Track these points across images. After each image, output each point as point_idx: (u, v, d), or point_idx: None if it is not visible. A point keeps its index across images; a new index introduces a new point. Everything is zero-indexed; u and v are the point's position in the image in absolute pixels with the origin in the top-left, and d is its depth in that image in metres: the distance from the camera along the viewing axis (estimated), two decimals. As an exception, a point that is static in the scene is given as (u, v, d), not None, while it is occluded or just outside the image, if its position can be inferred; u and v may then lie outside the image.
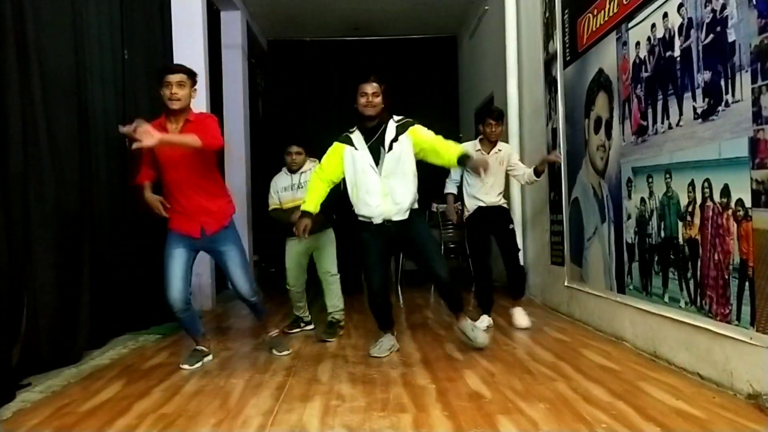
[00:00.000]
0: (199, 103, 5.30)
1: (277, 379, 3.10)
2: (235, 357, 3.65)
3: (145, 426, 2.42)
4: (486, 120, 4.21)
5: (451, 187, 4.38)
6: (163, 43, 5.18)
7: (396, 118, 3.50)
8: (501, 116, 4.25)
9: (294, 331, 4.38)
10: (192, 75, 3.24)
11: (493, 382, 2.93)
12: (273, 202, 4.33)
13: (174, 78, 3.15)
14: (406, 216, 3.45)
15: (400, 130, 3.43)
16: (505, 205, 4.35)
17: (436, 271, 3.50)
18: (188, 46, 5.38)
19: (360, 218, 3.52)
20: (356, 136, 3.49)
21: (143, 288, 4.48)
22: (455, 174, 4.32)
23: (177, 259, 3.27)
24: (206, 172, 3.31)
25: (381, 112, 3.44)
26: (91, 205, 3.87)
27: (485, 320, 4.29)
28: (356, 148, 3.46)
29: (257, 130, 8.02)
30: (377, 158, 3.41)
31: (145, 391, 2.91)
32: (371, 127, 3.45)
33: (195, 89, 3.29)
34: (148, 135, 2.76)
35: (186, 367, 3.32)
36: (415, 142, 3.44)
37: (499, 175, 4.24)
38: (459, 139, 7.68)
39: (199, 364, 3.38)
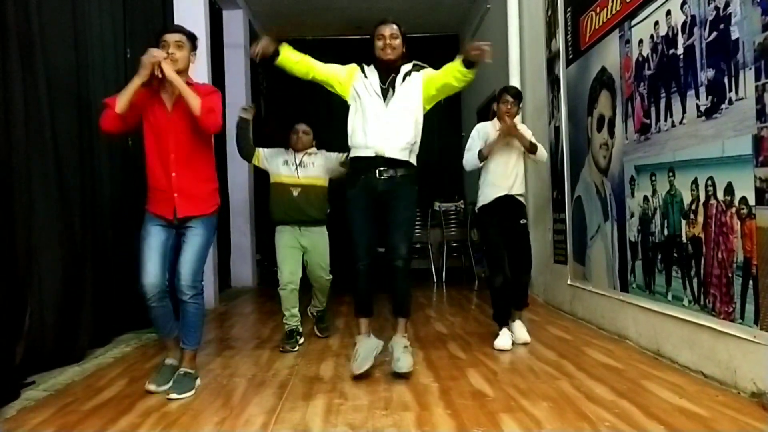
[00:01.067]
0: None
1: (280, 377, 3.10)
2: (238, 356, 3.65)
3: (148, 424, 2.43)
4: (503, 96, 3.81)
5: (474, 158, 3.79)
6: (166, 42, 5.18)
7: (411, 64, 3.27)
8: (519, 95, 3.89)
9: (294, 349, 3.72)
10: (192, 38, 2.98)
11: (495, 380, 2.93)
12: (260, 151, 3.96)
13: (172, 38, 2.89)
14: (400, 156, 3.11)
15: (416, 68, 3.25)
16: (521, 199, 3.86)
17: (396, 243, 3.09)
18: (191, 45, 5.38)
19: (352, 157, 3.20)
20: (370, 70, 3.27)
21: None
22: (475, 146, 3.81)
23: (153, 237, 2.91)
24: (200, 148, 2.97)
25: (401, 57, 3.21)
26: (93, 204, 3.87)
27: (506, 335, 3.67)
28: (366, 77, 3.23)
29: (259, 129, 8.01)
30: (386, 94, 3.17)
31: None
32: (388, 72, 3.20)
33: (194, 54, 3.00)
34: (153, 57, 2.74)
35: (152, 387, 2.84)
36: (427, 81, 3.20)
37: (517, 157, 3.83)
38: (461, 138, 7.66)
39: (167, 385, 2.85)
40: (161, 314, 2.94)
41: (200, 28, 5.61)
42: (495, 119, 3.88)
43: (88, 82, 3.89)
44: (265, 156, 3.99)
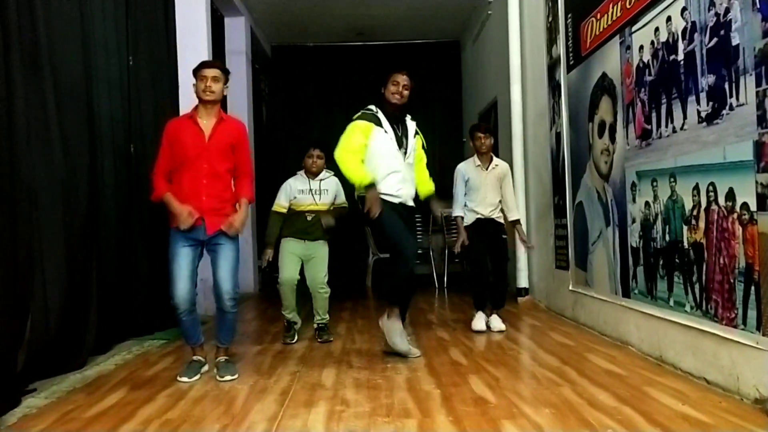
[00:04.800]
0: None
1: (282, 384, 3.10)
2: (240, 362, 3.65)
3: (150, 431, 2.42)
4: (475, 134, 4.50)
5: (459, 210, 4.53)
6: (168, 50, 5.20)
7: (409, 116, 3.78)
8: (489, 129, 4.60)
9: (293, 341, 4.17)
10: (226, 72, 3.35)
11: (498, 387, 2.92)
12: (280, 205, 4.25)
13: (210, 72, 3.24)
14: (413, 204, 3.74)
15: (418, 128, 3.78)
16: (500, 220, 4.53)
17: (405, 249, 3.55)
18: (193, 52, 5.39)
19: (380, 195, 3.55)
20: (383, 118, 3.62)
21: (148, 294, 4.49)
22: (460, 192, 4.52)
23: (183, 257, 3.22)
24: (228, 172, 3.32)
25: (404, 105, 3.68)
26: (97, 212, 3.88)
27: (482, 318, 4.45)
28: (385, 131, 3.60)
29: (261, 135, 8.04)
30: (400, 144, 3.62)
31: (150, 397, 2.91)
32: (395, 115, 3.65)
33: (227, 86, 3.35)
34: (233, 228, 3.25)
35: (185, 379, 3.20)
36: (417, 145, 3.78)
37: (495, 190, 4.51)
38: (463, 144, 7.65)
39: (197, 377, 3.26)
40: (191, 324, 3.31)
41: (202, 34, 5.65)
42: (474, 156, 4.54)
43: (92, 91, 3.91)
44: (283, 205, 4.27)
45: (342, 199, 4.33)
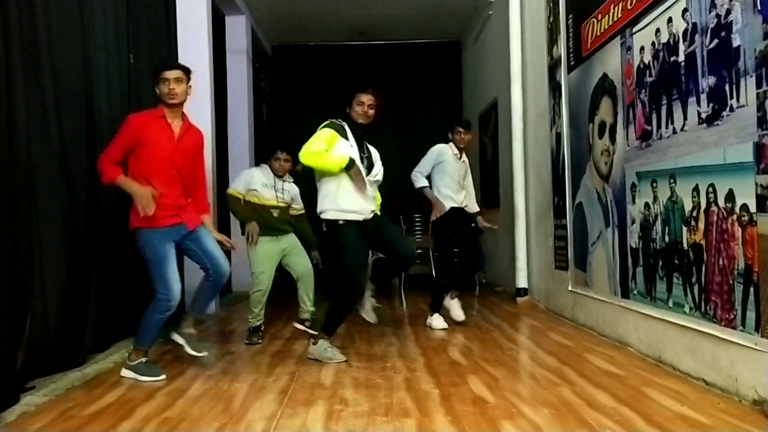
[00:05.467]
0: (204, 108, 5.34)
1: (281, 383, 3.10)
2: (239, 361, 3.65)
3: (148, 430, 2.42)
4: (455, 128, 4.66)
5: (423, 180, 4.55)
6: (169, 48, 5.20)
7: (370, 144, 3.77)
8: (469, 126, 4.78)
9: (260, 341, 4.16)
10: (188, 72, 3.31)
11: (497, 387, 2.92)
12: (236, 190, 4.26)
13: (172, 74, 3.21)
14: (375, 209, 3.66)
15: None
16: (468, 210, 4.72)
17: (407, 249, 3.67)
18: (193, 50, 5.40)
19: (339, 216, 3.49)
20: (349, 133, 3.58)
21: (146, 292, 4.48)
22: (427, 167, 4.57)
23: (172, 258, 3.21)
24: (199, 170, 3.47)
25: (370, 124, 3.66)
26: (97, 210, 3.88)
27: (441, 318, 4.59)
28: (351, 145, 3.55)
29: (261, 134, 8.04)
30: (362, 161, 3.56)
31: (149, 395, 2.91)
32: (359, 133, 3.63)
33: (190, 86, 3.33)
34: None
35: (157, 379, 3.17)
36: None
37: (464, 180, 4.69)
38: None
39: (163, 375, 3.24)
40: (173, 315, 3.30)
41: (203, 33, 5.64)
42: (451, 143, 4.67)
43: (92, 89, 3.91)
44: (240, 192, 4.29)
45: (300, 204, 4.47)
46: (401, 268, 4.01)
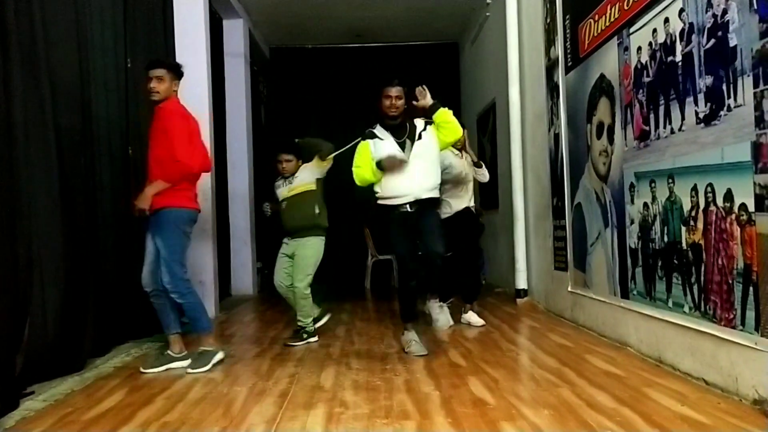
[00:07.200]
0: (202, 111, 5.32)
1: (281, 386, 3.10)
2: (239, 364, 3.65)
3: (148, 434, 2.42)
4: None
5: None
6: (166, 52, 5.20)
7: (422, 119, 3.86)
8: (463, 126, 4.68)
9: (298, 343, 4.10)
10: (173, 68, 3.45)
11: (497, 388, 2.92)
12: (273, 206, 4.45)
13: (153, 73, 3.39)
14: (430, 194, 3.74)
15: (428, 124, 3.84)
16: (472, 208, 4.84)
17: (430, 245, 3.66)
18: (191, 54, 5.40)
19: (383, 203, 3.75)
20: (379, 130, 3.80)
21: (146, 295, 4.47)
22: None
23: (147, 241, 3.51)
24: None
25: (402, 113, 3.78)
26: (95, 214, 3.88)
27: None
28: (381, 138, 3.74)
29: (260, 137, 8.04)
30: (403, 147, 3.71)
31: (149, 399, 2.90)
32: (394, 125, 3.78)
33: (177, 82, 3.46)
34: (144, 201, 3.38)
35: (148, 370, 3.39)
36: (436, 133, 3.83)
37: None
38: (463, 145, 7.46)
39: (161, 368, 3.41)
40: (159, 306, 3.57)
41: (200, 37, 5.64)
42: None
43: (90, 93, 3.91)
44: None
45: (310, 179, 4.24)
46: (426, 266, 3.72)
